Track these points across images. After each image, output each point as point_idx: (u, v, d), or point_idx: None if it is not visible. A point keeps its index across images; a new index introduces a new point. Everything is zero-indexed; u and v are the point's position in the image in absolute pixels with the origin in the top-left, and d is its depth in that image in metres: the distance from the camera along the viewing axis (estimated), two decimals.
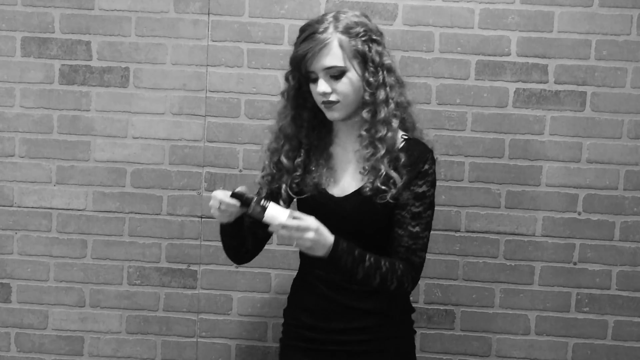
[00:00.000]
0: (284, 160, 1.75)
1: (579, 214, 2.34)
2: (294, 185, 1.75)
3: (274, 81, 2.34)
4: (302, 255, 1.84)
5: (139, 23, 2.35)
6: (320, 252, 1.58)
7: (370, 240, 1.70)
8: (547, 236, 2.35)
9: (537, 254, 2.35)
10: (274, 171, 1.77)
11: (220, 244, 2.37)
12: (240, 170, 2.37)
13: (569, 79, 2.31)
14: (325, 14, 1.68)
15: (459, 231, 2.35)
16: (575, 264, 2.35)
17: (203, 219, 2.39)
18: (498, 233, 2.35)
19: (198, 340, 2.41)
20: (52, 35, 2.36)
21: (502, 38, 2.30)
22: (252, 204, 1.58)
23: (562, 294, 2.36)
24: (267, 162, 1.80)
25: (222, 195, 1.61)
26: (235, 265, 2.38)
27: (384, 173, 1.65)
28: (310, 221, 1.56)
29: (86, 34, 2.36)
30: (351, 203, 1.69)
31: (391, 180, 1.65)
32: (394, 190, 1.65)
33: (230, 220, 1.67)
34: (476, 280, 2.37)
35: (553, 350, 2.37)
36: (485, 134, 2.33)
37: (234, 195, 1.60)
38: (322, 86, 1.64)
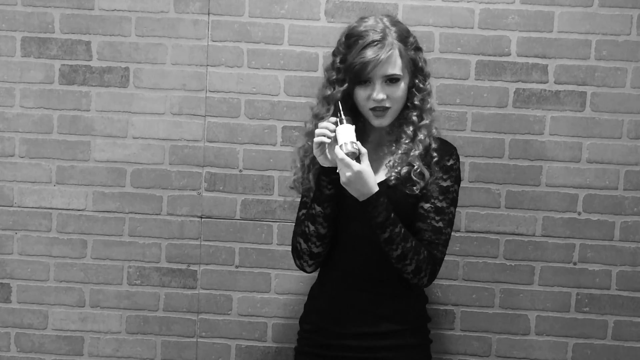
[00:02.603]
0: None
1: (579, 214, 2.34)
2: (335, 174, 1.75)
3: (274, 81, 2.34)
4: (324, 260, 1.84)
5: (139, 23, 2.35)
6: (355, 193, 1.64)
7: None
8: (547, 236, 2.35)
9: (537, 254, 2.35)
10: (305, 169, 1.81)
11: (220, 244, 2.39)
12: (240, 171, 2.37)
13: (569, 79, 2.31)
14: (375, 19, 1.72)
15: (459, 231, 2.35)
16: (575, 264, 2.35)
17: (203, 219, 2.39)
18: (498, 233, 2.35)
19: (198, 340, 2.41)
20: (52, 35, 2.36)
21: (502, 38, 2.30)
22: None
23: (562, 294, 2.36)
24: (299, 165, 1.82)
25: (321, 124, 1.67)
26: (235, 265, 2.38)
27: (418, 169, 1.71)
28: (354, 163, 1.60)
29: (86, 34, 2.36)
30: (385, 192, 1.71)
31: (422, 175, 1.71)
32: (422, 183, 1.70)
33: (323, 157, 1.68)
34: (476, 280, 2.37)
35: (553, 350, 2.37)
36: (485, 134, 2.33)
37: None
38: (378, 92, 1.68)
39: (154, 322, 2.42)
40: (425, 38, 2.30)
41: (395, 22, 1.74)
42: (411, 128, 1.73)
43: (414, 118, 1.73)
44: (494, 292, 2.37)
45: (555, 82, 2.31)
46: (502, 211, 2.35)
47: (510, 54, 2.31)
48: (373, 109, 1.70)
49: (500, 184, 2.34)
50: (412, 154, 1.71)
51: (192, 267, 2.41)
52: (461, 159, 2.32)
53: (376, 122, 1.72)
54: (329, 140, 1.65)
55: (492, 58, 2.31)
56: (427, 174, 1.71)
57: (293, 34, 2.33)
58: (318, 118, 1.76)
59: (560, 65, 2.30)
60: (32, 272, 2.43)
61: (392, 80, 1.68)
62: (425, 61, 1.78)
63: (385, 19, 1.72)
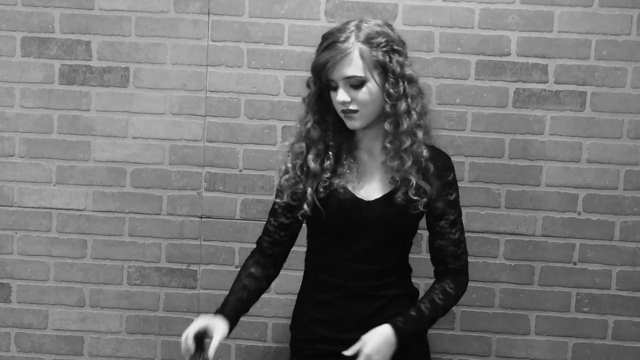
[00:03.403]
0: (311, 164, 1.71)
1: (579, 214, 2.34)
2: (320, 190, 1.70)
3: (274, 81, 2.34)
4: (312, 269, 1.83)
5: (139, 23, 2.35)
6: (392, 350, 1.66)
7: (392, 244, 1.74)
8: (547, 236, 2.35)
9: (537, 254, 2.35)
10: (299, 174, 1.73)
11: (220, 244, 2.39)
12: (240, 170, 2.38)
13: (569, 79, 2.31)
14: (347, 22, 1.67)
15: None
16: (575, 264, 2.35)
17: (203, 219, 2.39)
18: (498, 233, 2.35)
19: None
20: (52, 35, 2.37)
21: (502, 38, 2.30)
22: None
23: (562, 294, 2.36)
24: (289, 165, 1.76)
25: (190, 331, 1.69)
26: (235, 265, 2.38)
27: (414, 183, 1.67)
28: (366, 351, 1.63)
29: (86, 34, 2.36)
30: (380, 207, 1.69)
31: (422, 190, 1.68)
32: (425, 199, 1.68)
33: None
34: (476, 280, 2.36)
35: (553, 350, 2.37)
36: (485, 134, 2.33)
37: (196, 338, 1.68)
38: (341, 95, 1.64)
39: (154, 322, 2.42)
40: (425, 38, 2.30)
41: (366, 25, 1.65)
42: (389, 138, 1.67)
43: (387, 127, 1.66)
44: (494, 292, 2.37)
45: (555, 82, 2.31)
46: (502, 211, 2.35)
47: (510, 54, 2.31)
48: (343, 112, 1.67)
49: (500, 184, 2.34)
50: (405, 168, 1.67)
51: (192, 267, 2.41)
52: (461, 159, 2.34)
53: (349, 124, 1.68)
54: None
55: (492, 58, 2.31)
56: (427, 188, 1.68)
57: (293, 34, 2.33)
58: (301, 121, 1.76)
59: (560, 65, 2.30)
60: (32, 272, 2.43)
61: (356, 82, 1.62)
62: (401, 64, 1.64)
63: (357, 22, 1.66)
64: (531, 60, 2.31)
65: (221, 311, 1.75)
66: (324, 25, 2.31)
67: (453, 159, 2.31)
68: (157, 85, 2.37)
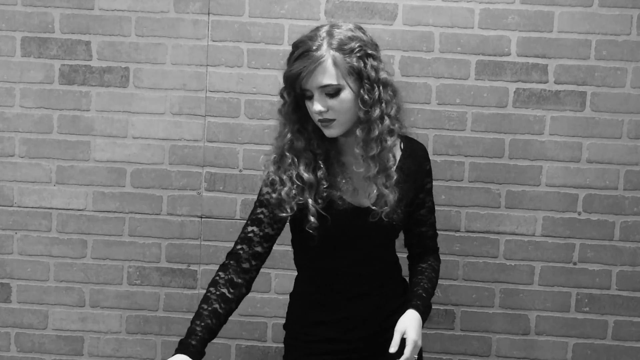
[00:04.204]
0: (305, 175, 1.65)
1: (579, 214, 2.34)
2: (319, 201, 1.66)
3: (274, 81, 2.34)
4: (310, 275, 1.81)
5: (139, 23, 2.35)
6: (421, 328, 1.71)
7: (389, 243, 1.80)
8: (547, 236, 2.35)
9: (537, 254, 2.35)
10: (298, 184, 1.66)
11: (220, 244, 2.39)
12: (240, 170, 2.38)
13: (569, 79, 2.31)
14: (318, 29, 1.62)
15: (458, 231, 2.35)
16: (575, 264, 2.35)
17: (203, 219, 2.39)
18: (498, 233, 2.35)
19: None
20: (52, 35, 2.36)
21: (502, 38, 2.30)
22: None
23: (562, 294, 2.36)
24: (283, 177, 1.66)
25: None
26: None
27: (375, 192, 1.65)
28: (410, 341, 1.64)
29: (86, 34, 2.36)
30: (367, 215, 1.68)
31: (384, 200, 1.65)
32: (387, 208, 1.65)
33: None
34: (476, 280, 2.37)
35: (553, 350, 2.37)
36: (485, 134, 2.33)
37: None
38: (317, 105, 1.59)
39: (154, 322, 2.42)
40: (425, 38, 2.30)
41: (338, 30, 1.60)
42: (361, 144, 1.64)
43: (358, 133, 1.63)
44: (494, 292, 2.37)
45: (555, 82, 2.31)
46: (502, 211, 2.35)
47: (510, 54, 2.31)
48: (320, 121, 1.62)
49: (500, 184, 2.34)
50: (368, 175, 1.64)
51: (192, 267, 2.41)
52: (461, 159, 2.34)
53: (326, 132, 1.64)
54: None
55: (492, 58, 2.31)
56: (390, 196, 1.65)
57: (293, 34, 2.33)
58: (279, 134, 1.71)
59: (560, 65, 2.30)
60: (32, 272, 2.43)
61: (331, 90, 1.58)
62: (375, 69, 1.61)
63: (328, 28, 1.62)
64: (531, 60, 2.31)
65: (186, 348, 1.65)
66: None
67: (453, 159, 2.34)
68: (157, 85, 2.37)
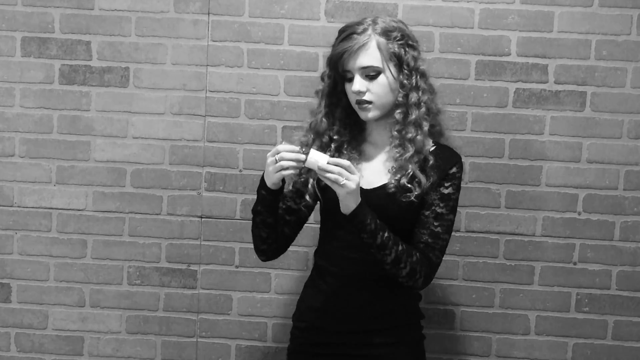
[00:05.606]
0: None
1: (579, 214, 2.34)
2: (322, 182, 1.70)
3: (274, 81, 2.34)
4: (316, 257, 1.85)
5: (139, 23, 2.35)
6: (345, 209, 1.60)
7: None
8: (547, 236, 2.35)
9: (537, 254, 2.35)
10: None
11: (220, 244, 2.39)
12: (240, 171, 2.38)
13: (569, 79, 2.31)
14: (365, 17, 1.73)
15: (458, 231, 2.35)
16: (575, 264, 2.35)
17: (203, 219, 2.39)
18: (498, 233, 2.35)
19: (198, 340, 2.41)
20: (52, 35, 2.36)
21: (502, 38, 2.30)
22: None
23: (562, 294, 2.36)
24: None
25: (282, 147, 1.61)
26: (235, 265, 2.38)
27: (411, 172, 1.69)
28: (353, 176, 1.58)
29: (86, 34, 2.36)
30: (377, 195, 1.70)
31: (416, 180, 1.69)
32: (418, 190, 1.68)
33: (277, 181, 1.65)
34: (476, 280, 2.37)
35: (553, 350, 2.37)
36: (485, 134, 2.33)
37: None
38: (357, 85, 1.67)
39: (154, 322, 2.42)
40: (425, 38, 2.30)
41: (382, 20, 1.71)
42: (397, 127, 1.71)
43: (397, 115, 1.71)
44: (494, 292, 2.37)
45: (555, 82, 2.31)
46: (502, 211, 2.35)
47: (510, 54, 2.31)
48: (357, 103, 1.70)
49: (500, 184, 2.34)
50: (405, 156, 1.69)
51: (192, 267, 2.41)
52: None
53: (362, 115, 1.72)
54: (296, 171, 1.64)
55: (492, 58, 2.31)
56: (423, 179, 1.69)
57: (293, 34, 2.33)
58: (312, 112, 1.81)
59: (560, 65, 2.30)
60: (32, 272, 2.43)
61: (371, 73, 1.67)
62: (415, 58, 1.71)
63: (373, 17, 1.72)
64: (531, 60, 2.31)
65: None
66: (324, 25, 2.31)
67: None
68: (157, 85, 2.37)
